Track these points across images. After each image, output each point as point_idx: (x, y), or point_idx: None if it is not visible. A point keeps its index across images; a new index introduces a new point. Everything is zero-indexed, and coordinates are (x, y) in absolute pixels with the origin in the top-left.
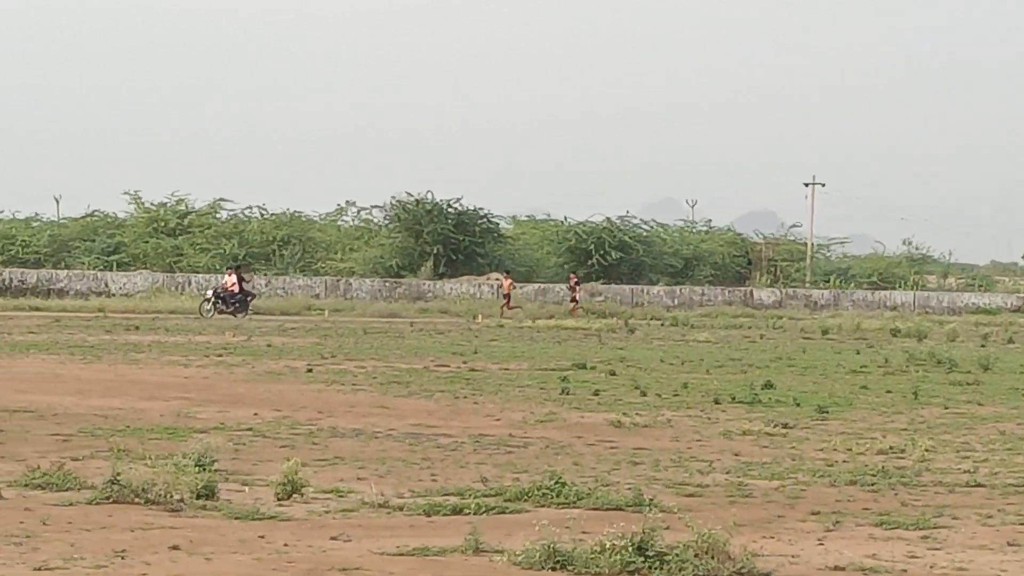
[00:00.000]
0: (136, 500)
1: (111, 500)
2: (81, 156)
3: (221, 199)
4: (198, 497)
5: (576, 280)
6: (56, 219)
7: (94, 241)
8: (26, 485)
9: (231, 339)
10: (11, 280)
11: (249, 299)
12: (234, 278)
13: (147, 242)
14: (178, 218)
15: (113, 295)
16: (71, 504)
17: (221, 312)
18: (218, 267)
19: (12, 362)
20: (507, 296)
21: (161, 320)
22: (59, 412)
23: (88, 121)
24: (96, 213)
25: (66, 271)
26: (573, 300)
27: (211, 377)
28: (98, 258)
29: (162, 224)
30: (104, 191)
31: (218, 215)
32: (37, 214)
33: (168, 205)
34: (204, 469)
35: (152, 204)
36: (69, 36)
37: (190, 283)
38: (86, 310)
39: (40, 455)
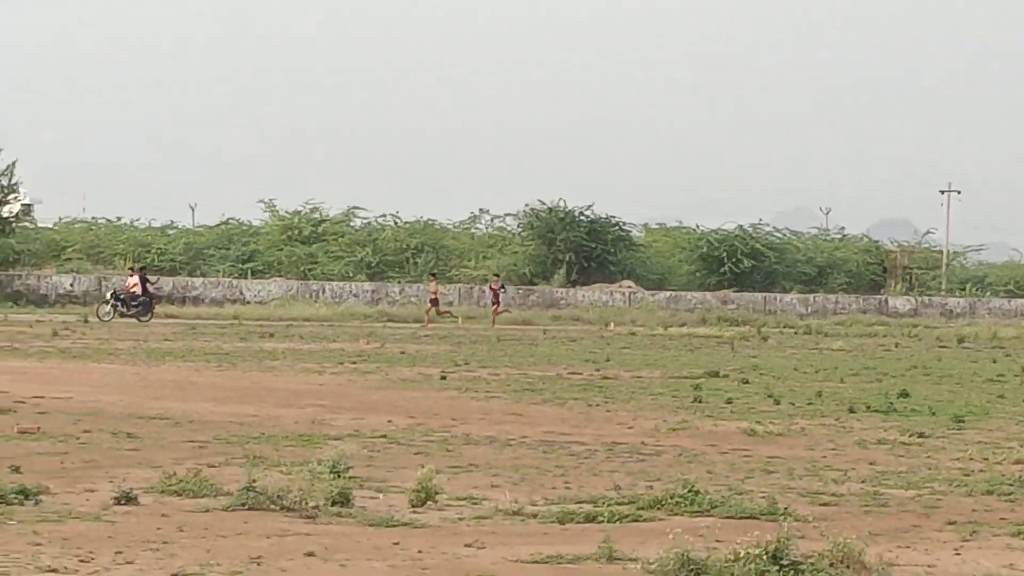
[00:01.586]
0: (271, 507)
1: (247, 507)
2: (216, 165)
3: (355, 207)
4: (333, 504)
5: (500, 284)
6: (192, 227)
7: (229, 249)
8: (163, 491)
9: (365, 346)
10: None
11: (153, 301)
12: (136, 279)
13: (281, 250)
14: (312, 226)
15: (248, 302)
16: (207, 510)
17: (122, 315)
18: (351, 275)
19: (148, 369)
20: (433, 301)
21: (295, 327)
22: (195, 419)
23: (222, 130)
24: (231, 221)
25: (201, 279)
26: (495, 303)
27: (345, 384)
28: (233, 266)
29: (296, 232)
30: (239, 199)
31: (352, 223)
32: (173, 222)
33: (302, 213)
34: (339, 476)
35: (287, 212)
36: (211, 51)
37: (324, 290)
38: (221, 317)
39: (176, 462)
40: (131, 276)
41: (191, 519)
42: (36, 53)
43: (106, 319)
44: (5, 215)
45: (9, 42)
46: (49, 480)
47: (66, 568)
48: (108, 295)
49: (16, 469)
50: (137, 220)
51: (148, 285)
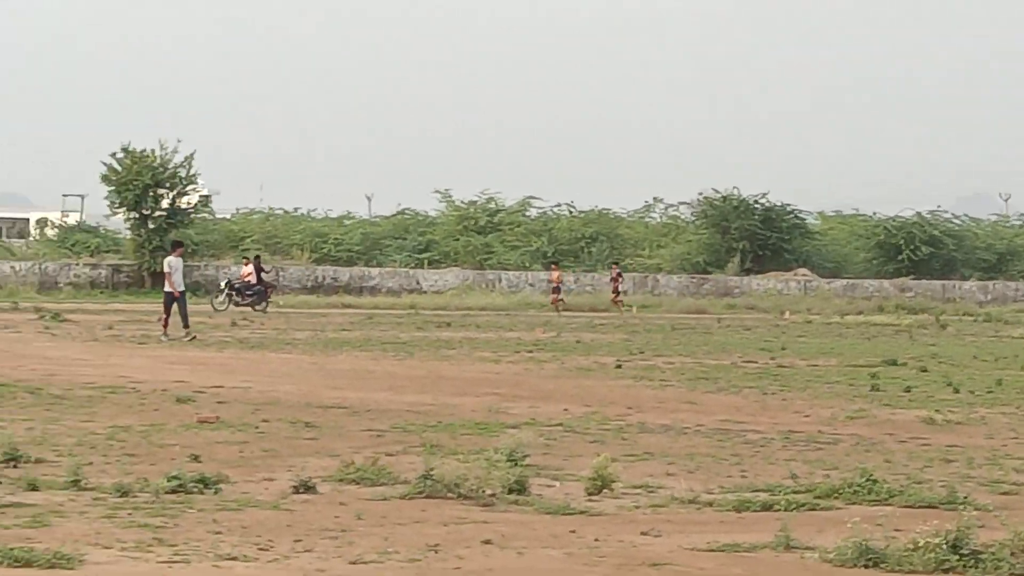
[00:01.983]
0: (448, 495)
1: (424, 495)
2: (392, 155)
3: (530, 197)
4: (510, 492)
5: (618, 271)
6: (368, 217)
7: (405, 239)
8: (341, 480)
9: (541, 335)
10: (324, 278)
11: (268, 290)
12: (251, 268)
13: (457, 240)
14: (488, 216)
15: (424, 292)
16: (385, 499)
17: (237, 304)
18: (527, 264)
19: (326, 359)
20: (556, 289)
21: (471, 316)
22: (372, 408)
23: (397, 120)
24: (407, 211)
25: (378, 269)
26: (615, 291)
27: (521, 373)
28: (409, 256)
29: (472, 222)
30: (415, 189)
31: (527, 213)
32: (349, 213)
33: (478, 203)
34: (515, 464)
35: (462, 202)
36: (386, 41)
37: (500, 280)
38: (398, 307)
39: (354, 450)
40: (245, 265)
41: (369, 507)
42: (218, 45)
43: (221, 308)
44: (184, 206)
45: (194, 35)
46: (229, 469)
47: (245, 556)
48: (223, 284)
49: (196, 458)
50: (314, 211)
51: (263, 274)
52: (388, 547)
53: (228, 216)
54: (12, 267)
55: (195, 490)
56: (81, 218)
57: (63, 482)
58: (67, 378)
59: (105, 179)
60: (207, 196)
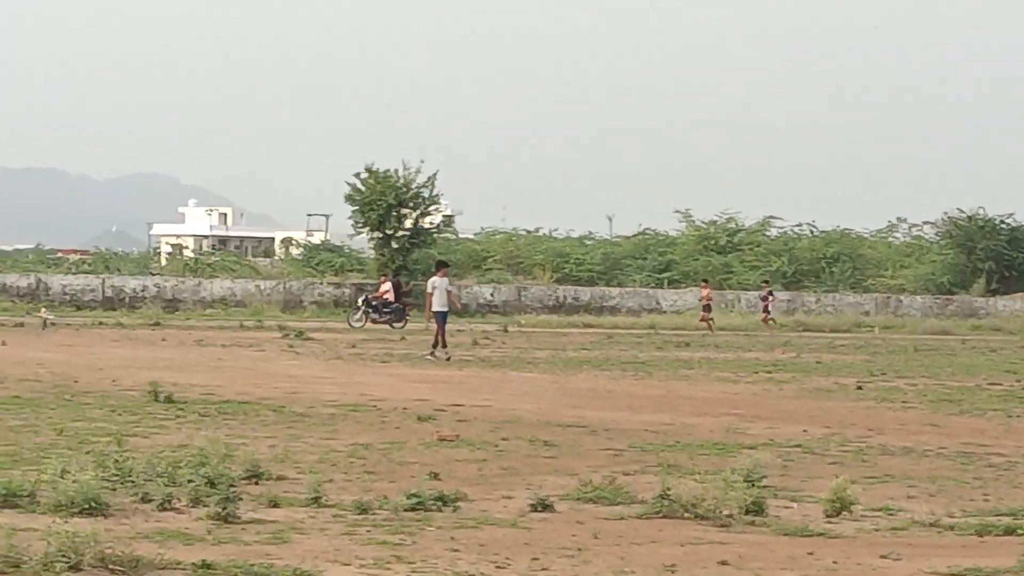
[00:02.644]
0: (685, 515)
1: (661, 515)
2: (632, 176)
3: (771, 217)
4: (747, 512)
5: (769, 291)
6: (609, 237)
7: (645, 259)
8: (578, 499)
9: (780, 356)
10: (566, 297)
11: (407, 308)
12: (389, 286)
13: (697, 259)
14: (728, 236)
15: (664, 312)
16: (621, 518)
17: (374, 322)
18: (765, 283)
19: (566, 378)
20: (707, 307)
21: (710, 337)
22: (611, 427)
23: (638, 140)
24: (647, 231)
25: (618, 288)
26: (765, 311)
27: (760, 393)
28: (649, 275)
29: (712, 242)
30: (655, 210)
31: (767, 233)
32: (591, 233)
33: (718, 223)
34: (753, 485)
35: (702, 222)
36: (642, 66)
37: (739, 300)
38: (637, 327)
39: (592, 469)
40: (383, 282)
41: (606, 526)
42: (464, 70)
43: (357, 325)
44: (427, 226)
45: (439, 60)
46: (467, 487)
47: (483, 573)
48: (360, 301)
49: (435, 476)
50: (555, 231)
51: (402, 291)
52: (625, 567)
53: (471, 236)
54: (257, 286)
55: (434, 508)
56: (325, 237)
57: (304, 499)
58: (310, 396)
59: (349, 199)
60: (450, 216)
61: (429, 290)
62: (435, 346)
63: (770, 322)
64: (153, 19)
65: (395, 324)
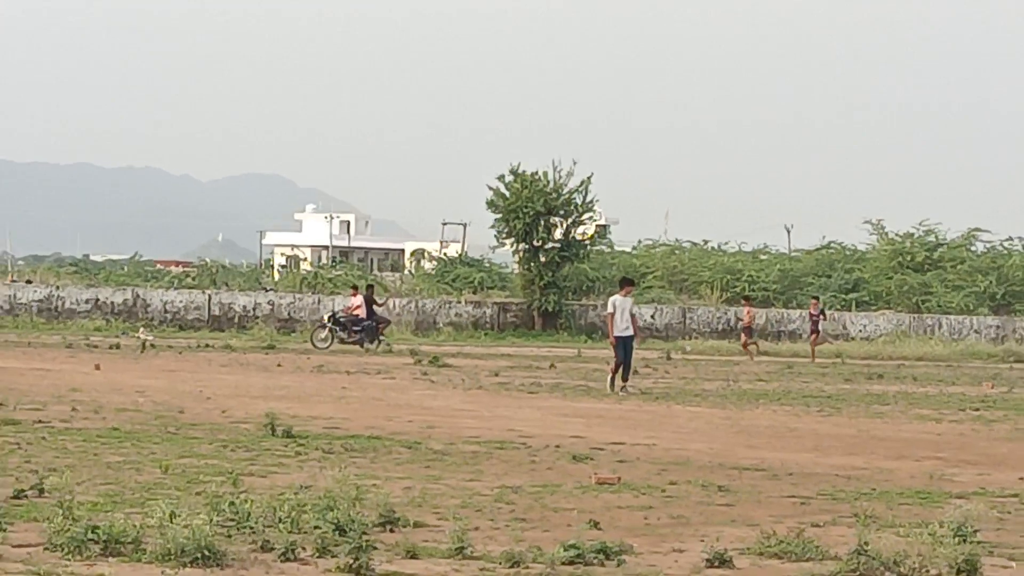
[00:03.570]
0: (886, 573)
1: (857, 572)
2: (816, 180)
3: (976, 229)
4: (958, 572)
5: (819, 308)
6: (787, 252)
7: (830, 277)
8: (761, 553)
9: (989, 391)
10: (736, 321)
11: (380, 326)
12: (360, 300)
13: (890, 278)
14: (926, 251)
15: (852, 338)
16: None
17: (343, 342)
18: (972, 307)
19: (741, 413)
20: (747, 329)
21: (907, 368)
22: (795, 471)
23: (819, 142)
24: (832, 245)
25: (799, 311)
26: (814, 332)
27: (967, 434)
28: (835, 296)
29: (908, 258)
30: (841, 219)
31: (972, 247)
32: (766, 245)
33: (915, 236)
34: (964, 540)
35: (897, 235)
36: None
37: (940, 325)
38: (822, 356)
39: (775, 519)
40: (354, 296)
41: None
42: (614, 71)
43: (322, 346)
44: (579, 237)
45: (582, 63)
46: (633, 538)
47: None
48: (326, 318)
49: (596, 525)
50: (726, 243)
51: (375, 308)
52: None
53: (628, 249)
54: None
55: (595, 561)
56: (463, 249)
57: (446, 549)
58: (448, 431)
59: (491, 205)
60: (605, 226)
61: (610, 310)
62: (617, 378)
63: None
64: (265, 11)
65: (367, 344)
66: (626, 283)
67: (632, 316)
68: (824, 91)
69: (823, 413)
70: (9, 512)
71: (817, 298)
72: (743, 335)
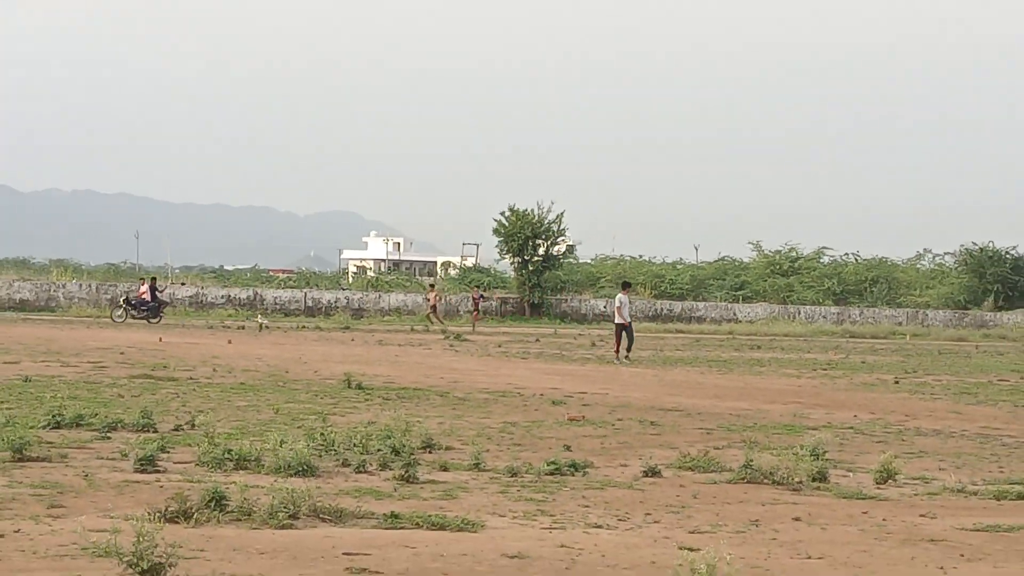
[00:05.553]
0: (765, 481)
1: (745, 480)
2: (715, 213)
3: (824, 247)
4: (813, 480)
5: (480, 294)
6: (696, 263)
7: (724, 279)
8: (680, 467)
9: (833, 357)
10: (662, 309)
11: (160, 306)
12: (147, 287)
13: (765, 280)
14: (790, 262)
15: (739, 321)
16: (714, 483)
17: (133, 318)
18: (821, 300)
19: (665, 372)
20: (433, 307)
21: (777, 341)
22: (702, 411)
23: (721, 183)
24: (726, 258)
25: (703, 303)
26: (475, 310)
27: (818, 386)
28: (728, 292)
29: (777, 267)
30: (733, 240)
31: (821, 260)
32: (681, 259)
33: (782, 252)
34: (817, 458)
35: (769, 251)
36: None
37: (799, 313)
38: (719, 333)
39: (689, 444)
40: (142, 284)
41: (703, 489)
42: (589, 129)
43: (119, 320)
44: (555, 253)
45: (567, 128)
46: (592, 456)
47: (608, 525)
48: (121, 300)
49: (568, 448)
50: (654, 257)
51: (157, 292)
52: (719, 521)
53: (589, 260)
54: (424, 299)
55: (568, 472)
56: (476, 261)
57: (467, 465)
58: (467, 385)
59: (495, 231)
60: (572, 245)
61: (617, 304)
62: (620, 352)
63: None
64: (353, 86)
65: (151, 320)
66: (626, 285)
67: (620, 307)
68: (719, 140)
69: (720, 372)
70: (171, 440)
71: (479, 286)
72: (430, 310)
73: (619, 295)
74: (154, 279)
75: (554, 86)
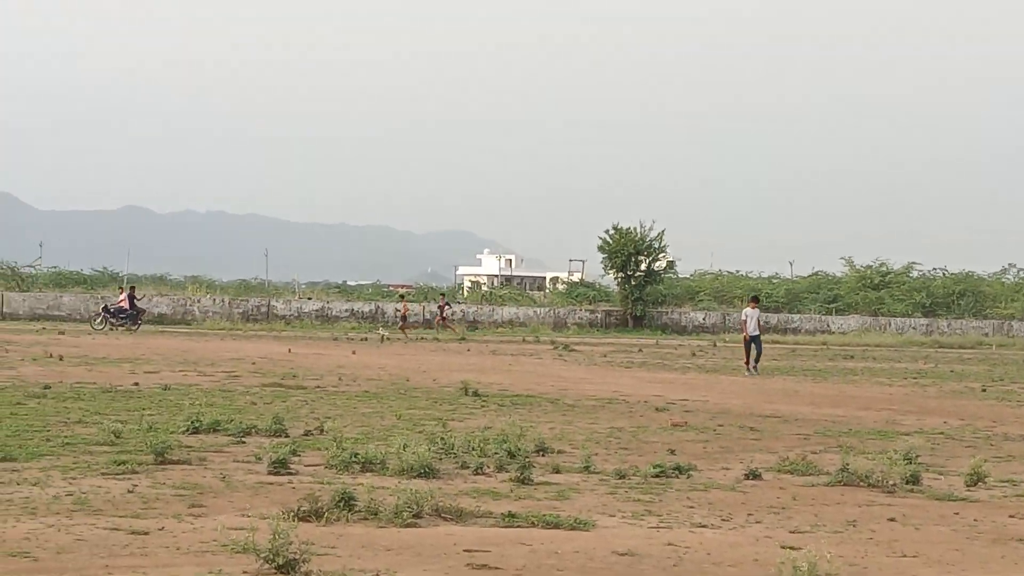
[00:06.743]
0: (860, 484)
1: (842, 483)
2: (809, 229)
3: (913, 262)
4: (906, 482)
5: (446, 302)
6: (790, 277)
7: (818, 293)
8: (779, 471)
9: (923, 366)
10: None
11: (139, 314)
12: (125, 296)
13: (857, 294)
14: (880, 276)
15: (832, 333)
16: (812, 485)
17: (112, 326)
18: (910, 313)
19: (763, 381)
20: (403, 318)
21: (869, 351)
22: (799, 418)
23: (817, 199)
24: (819, 273)
25: (798, 315)
26: (441, 318)
27: (909, 394)
28: (821, 306)
29: (868, 281)
30: (827, 255)
31: (910, 274)
32: (777, 274)
33: (873, 267)
34: (910, 462)
35: (861, 266)
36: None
37: (890, 324)
38: (812, 344)
39: (787, 449)
40: (121, 293)
41: (801, 491)
42: (686, 148)
43: (99, 328)
44: (656, 268)
45: (662, 152)
46: (696, 460)
47: (712, 524)
48: (100, 308)
49: (672, 452)
50: (751, 272)
51: (135, 301)
52: (818, 521)
53: (688, 275)
54: (534, 311)
55: (673, 475)
56: (582, 277)
57: (578, 467)
58: (576, 392)
59: (600, 248)
60: (672, 261)
61: (743, 318)
62: (749, 363)
63: (446, 327)
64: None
65: (131, 327)
66: (754, 299)
67: (758, 321)
68: (806, 167)
69: (815, 380)
70: (301, 444)
71: (444, 294)
72: (401, 321)
73: (746, 308)
74: (133, 288)
75: (660, 108)
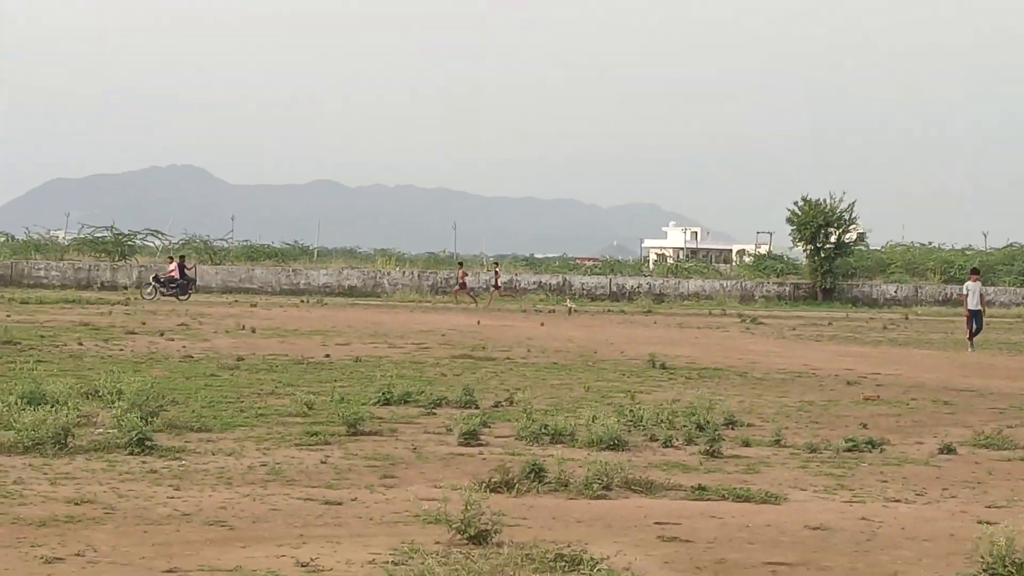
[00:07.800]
0: None
1: None
2: (1004, 199)
3: None
4: None
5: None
6: (984, 249)
7: (1012, 265)
8: (974, 445)
9: None
10: (951, 294)
11: (189, 284)
12: (175, 266)
13: None
14: None
15: None
16: (1008, 460)
17: (163, 295)
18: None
19: (956, 354)
20: (462, 284)
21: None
22: (994, 392)
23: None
24: (1014, 244)
25: (992, 287)
26: (462, 286)
27: None
28: (1016, 278)
29: None
30: (1021, 228)
31: None
32: (970, 245)
33: None
34: None
35: None
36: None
37: None
38: (1007, 317)
39: (982, 423)
40: (171, 263)
41: (997, 466)
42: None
43: (149, 298)
44: (846, 241)
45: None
46: (888, 434)
47: (906, 499)
48: (151, 278)
49: (864, 426)
50: (943, 244)
51: (185, 271)
52: (1015, 496)
53: (879, 248)
54: (721, 284)
55: (865, 449)
56: (770, 249)
57: (768, 441)
58: (764, 365)
59: (789, 221)
60: (862, 233)
61: (964, 292)
62: (971, 338)
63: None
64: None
65: (180, 297)
66: (974, 272)
67: (980, 295)
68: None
69: (1011, 354)
70: (492, 415)
71: (497, 263)
72: (458, 287)
73: (967, 282)
74: (183, 258)
75: (853, 72)
